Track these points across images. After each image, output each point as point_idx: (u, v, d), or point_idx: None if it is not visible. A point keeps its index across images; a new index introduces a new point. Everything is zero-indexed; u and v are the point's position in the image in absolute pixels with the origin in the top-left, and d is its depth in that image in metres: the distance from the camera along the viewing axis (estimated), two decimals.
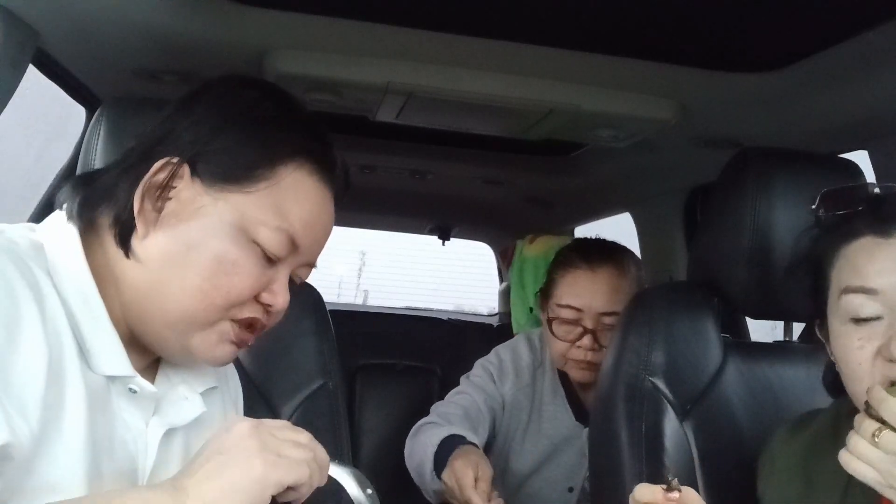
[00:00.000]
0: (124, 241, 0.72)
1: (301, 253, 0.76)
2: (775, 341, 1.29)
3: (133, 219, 0.71)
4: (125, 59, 1.28)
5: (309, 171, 0.76)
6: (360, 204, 2.58)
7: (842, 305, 0.82)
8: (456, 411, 1.51)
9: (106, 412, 0.69)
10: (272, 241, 0.73)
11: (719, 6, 1.01)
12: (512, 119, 1.47)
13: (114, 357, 0.70)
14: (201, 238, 0.71)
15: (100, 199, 0.74)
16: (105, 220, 0.73)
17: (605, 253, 1.49)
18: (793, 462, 0.94)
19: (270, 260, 0.74)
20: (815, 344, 1.18)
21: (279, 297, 0.75)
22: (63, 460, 0.63)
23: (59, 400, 0.64)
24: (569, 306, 1.46)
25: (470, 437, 1.40)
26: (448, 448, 1.36)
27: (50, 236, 0.72)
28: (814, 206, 0.90)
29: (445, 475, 1.31)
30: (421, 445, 1.44)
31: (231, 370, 0.94)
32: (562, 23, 1.09)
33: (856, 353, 0.81)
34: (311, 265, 0.81)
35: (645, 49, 1.16)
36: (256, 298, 0.74)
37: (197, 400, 0.80)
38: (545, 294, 1.54)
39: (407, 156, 1.99)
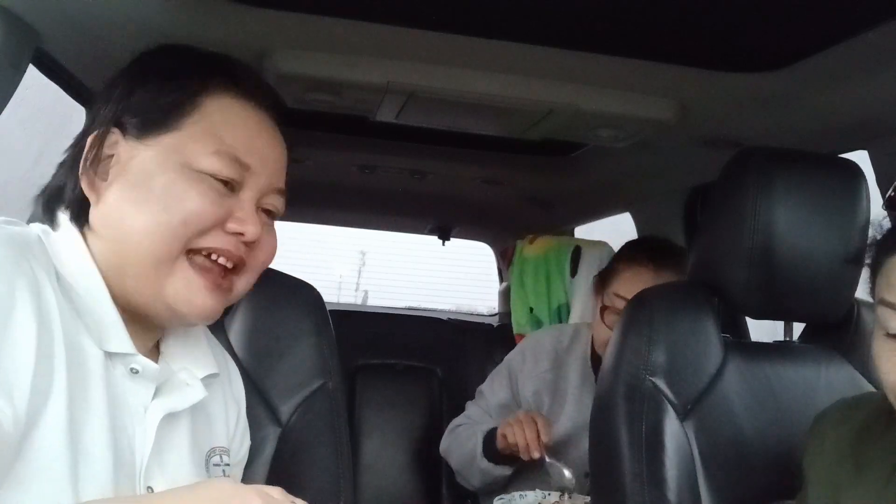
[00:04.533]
0: (79, 217, 0.74)
1: (256, 173, 0.76)
2: (775, 341, 1.29)
3: (84, 196, 0.73)
4: (125, 59, 1.28)
5: (232, 95, 0.77)
6: (360, 204, 2.58)
7: (878, 314, 0.84)
8: (478, 412, 1.77)
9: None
10: (215, 164, 0.73)
11: (719, 6, 1.01)
12: (512, 119, 1.47)
13: (115, 333, 0.71)
14: (145, 179, 0.72)
15: (55, 196, 0.77)
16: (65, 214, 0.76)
17: (668, 256, 1.55)
18: (844, 444, 0.94)
19: (227, 185, 0.74)
20: (814, 344, 1.18)
21: (248, 225, 0.74)
22: (49, 441, 0.63)
23: (49, 383, 0.64)
24: (625, 298, 1.49)
25: None
26: (495, 436, 1.59)
27: (48, 229, 0.75)
28: (889, 195, 0.90)
29: (504, 427, 1.53)
30: (465, 438, 1.69)
31: (233, 368, 0.94)
32: (562, 23, 1.09)
33: (885, 363, 0.83)
34: (279, 191, 0.80)
35: (645, 49, 1.16)
36: (223, 229, 0.74)
37: (198, 385, 0.80)
38: (603, 281, 1.60)
39: (407, 156, 1.99)
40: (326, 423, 1.09)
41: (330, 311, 1.19)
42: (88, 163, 0.73)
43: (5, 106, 1.12)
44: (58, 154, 0.79)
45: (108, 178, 0.73)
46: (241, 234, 0.74)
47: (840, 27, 1.02)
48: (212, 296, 0.75)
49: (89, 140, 0.74)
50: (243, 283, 0.79)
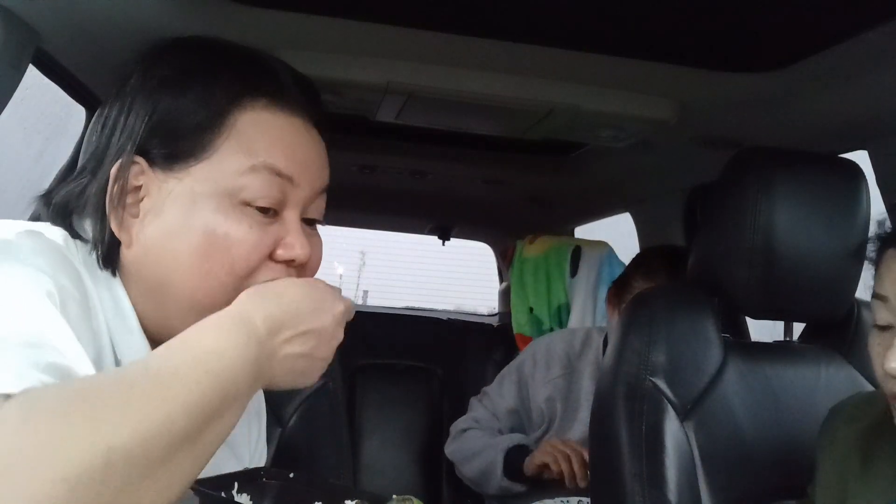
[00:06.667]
0: (110, 260, 0.68)
1: (300, 184, 0.70)
2: (775, 341, 1.29)
3: (114, 236, 0.67)
4: (125, 59, 1.28)
5: (263, 106, 0.69)
6: (360, 204, 2.58)
7: (871, 306, 0.87)
8: (485, 415, 1.76)
9: None
10: (257, 183, 0.67)
11: (719, 6, 1.01)
12: (512, 119, 1.47)
13: None
14: (182, 222, 0.66)
15: (67, 211, 0.70)
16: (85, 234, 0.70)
17: (683, 263, 1.56)
18: (853, 439, 0.95)
19: (268, 212, 0.68)
20: (814, 344, 1.18)
21: (296, 249, 0.69)
22: None
23: None
24: None
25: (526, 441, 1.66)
26: (516, 454, 1.60)
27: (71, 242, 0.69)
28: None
29: (546, 457, 1.53)
30: (479, 449, 1.67)
31: None
32: (562, 23, 1.09)
33: (875, 357, 0.86)
34: (321, 192, 0.74)
35: (645, 49, 1.16)
36: (273, 258, 0.68)
37: None
38: (619, 291, 1.60)
39: (407, 156, 1.99)
40: (326, 424, 1.10)
41: None
42: (115, 200, 0.66)
43: (5, 106, 1.12)
44: (58, 154, 0.78)
45: (140, 214, 0.67)
46: (292, 259, 0.69)
47: (840, 27, 1.02)
48: None
49: (112, 172, 0.66)
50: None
